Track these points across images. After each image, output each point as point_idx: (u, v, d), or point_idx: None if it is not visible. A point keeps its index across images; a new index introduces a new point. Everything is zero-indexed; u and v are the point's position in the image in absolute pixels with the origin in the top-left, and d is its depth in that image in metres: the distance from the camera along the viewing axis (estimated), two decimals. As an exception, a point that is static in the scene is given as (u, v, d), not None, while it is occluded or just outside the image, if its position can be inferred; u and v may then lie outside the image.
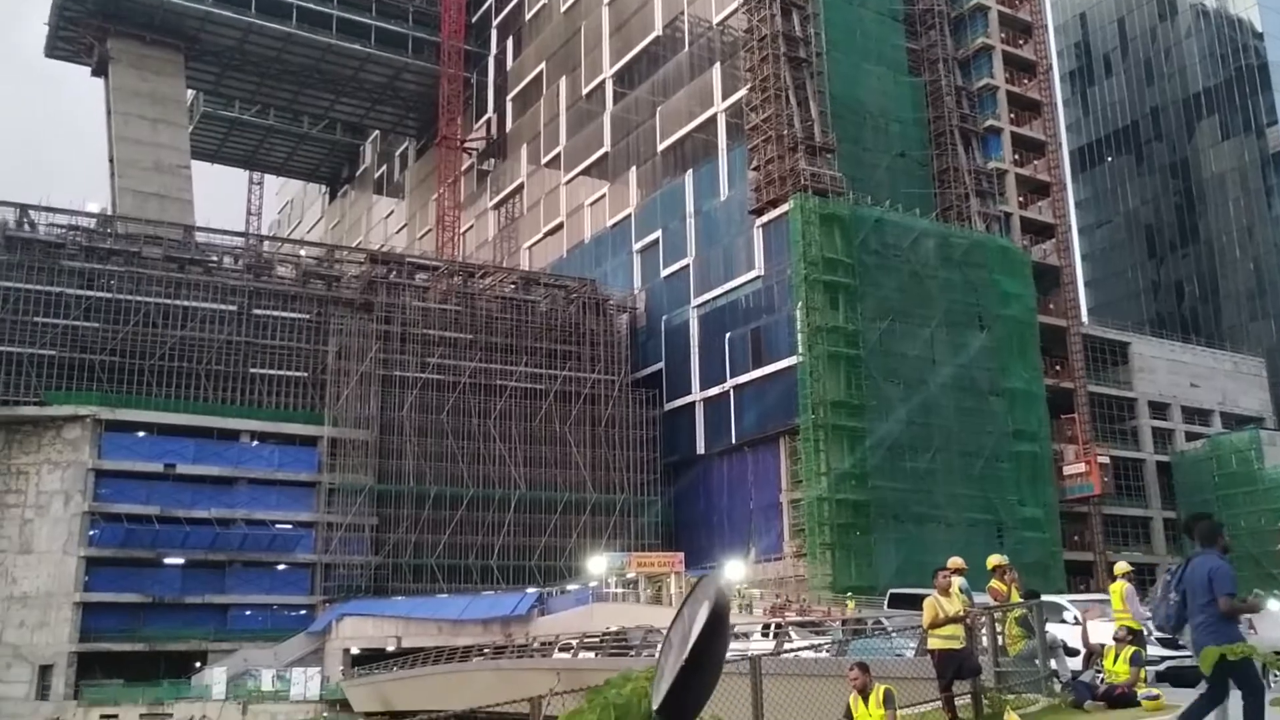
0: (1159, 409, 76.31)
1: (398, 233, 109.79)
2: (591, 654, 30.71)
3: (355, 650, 59.40)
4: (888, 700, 11.04)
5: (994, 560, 15.56)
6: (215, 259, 67.95)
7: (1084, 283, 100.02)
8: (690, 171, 72.82)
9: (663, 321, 73.19)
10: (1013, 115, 74.68)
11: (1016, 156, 74.30)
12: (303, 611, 63.05)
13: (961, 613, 12.44)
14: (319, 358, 65.39)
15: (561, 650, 34.36)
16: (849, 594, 48.78)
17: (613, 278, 77.46)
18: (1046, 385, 66.82)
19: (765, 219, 64.75)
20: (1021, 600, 14.65)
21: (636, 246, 76.76)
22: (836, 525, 57.33)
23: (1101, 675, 13.32)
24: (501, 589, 61.27)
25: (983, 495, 61.58)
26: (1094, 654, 14.32)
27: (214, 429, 62.31)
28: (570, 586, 56.67)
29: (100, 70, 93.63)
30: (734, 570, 51.52)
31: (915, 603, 29.33)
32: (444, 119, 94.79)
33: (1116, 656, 13.32)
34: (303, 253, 77.47)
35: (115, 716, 54.83)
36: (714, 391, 67.64)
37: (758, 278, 66.26)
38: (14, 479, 59.66)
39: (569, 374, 69.54)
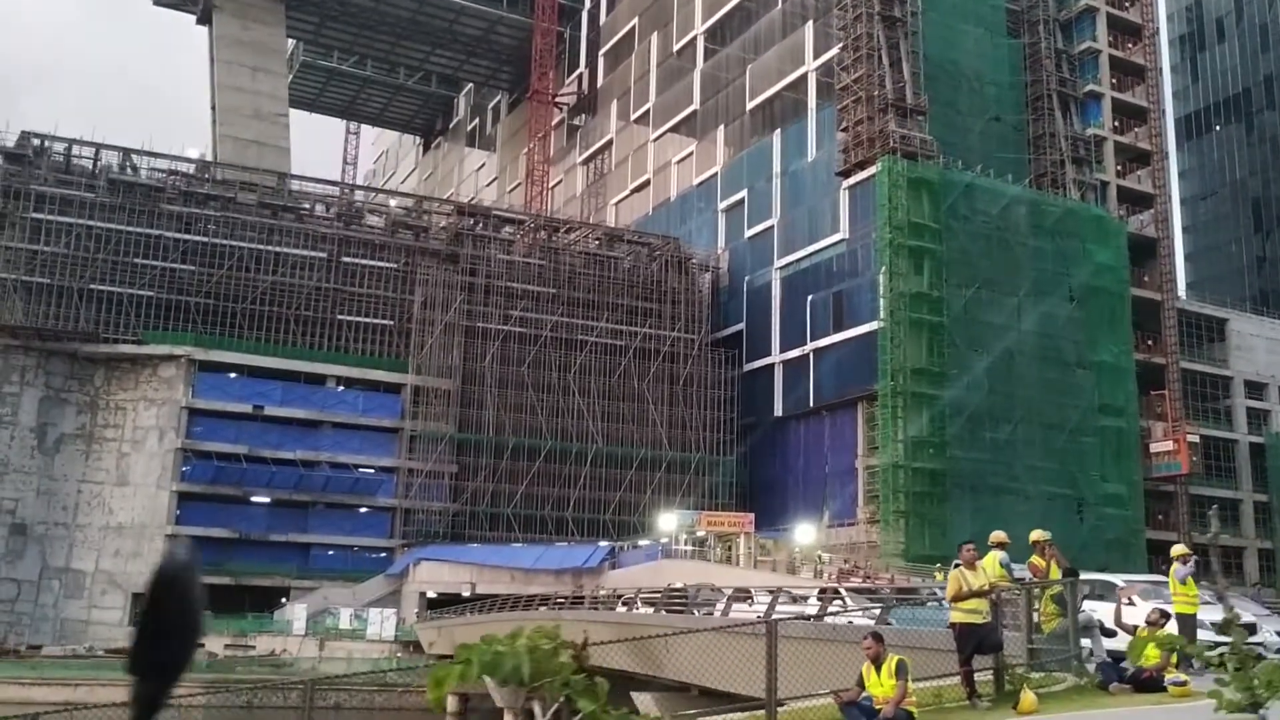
0: (1256, 389, 73.90)
1: (488, 185, 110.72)
2: (649, 609, 31.04)
3: (431, 594, 60.82)
4: (899, 670, 11.13)
5: (1035, 535, 15.43)
6: (307, 207, 69.42)
7: (1183, 256, 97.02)
8: (778, 131, 72.13)
9: (745, 282, 72.95)
10: (1114, 80, 72.32)
11: (1116, 123, 72.04)
12: (382, 554, 64.68)
13: (986, 587, 12.39)
14: (405, 307, 66.59)
15: (624, 604, 34.82)
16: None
17: (696, 236, 77.31)
18: (1136, 360, 65.15)
19: (852, 181, 63.94)
20: (1060, 577, 14.46)
21: (721, 206, 76.42)
22: (911, 493, 56.93)
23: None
24: (575, 541, 62.09)
25: (1064, 469, 60.54)
26: (1107, 634, 14.10)
27: (301, 373, 63.98)
28: (642, 542, 57.21)
29: (204, 18, 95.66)
30: (804, 534, 51.52)
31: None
32: (536, 73, 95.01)
33: (1150, 640, 13.10)
34: (393, 203, 78.59)
35: (201, 645, 56.89)
36: (794, 354, 67.38)
37: (842, 241, 65.60)
38: (112, 414, 62.10)
39: (649, 331, 69.81)
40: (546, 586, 53.31)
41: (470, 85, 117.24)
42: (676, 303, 71.08)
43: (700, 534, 51.96)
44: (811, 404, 65.90)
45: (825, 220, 66.77)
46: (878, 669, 11.23)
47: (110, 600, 60.22)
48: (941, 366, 58.47)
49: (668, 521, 52.81)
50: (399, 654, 52.40)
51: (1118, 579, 19.93)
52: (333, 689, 47.88)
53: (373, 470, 65.45)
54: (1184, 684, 11.92)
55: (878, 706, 11.01)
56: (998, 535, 15.87)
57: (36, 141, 63.26)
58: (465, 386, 65.77)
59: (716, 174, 77.67)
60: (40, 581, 60.14)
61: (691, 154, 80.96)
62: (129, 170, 64.56)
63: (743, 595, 28.99)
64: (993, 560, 14.74)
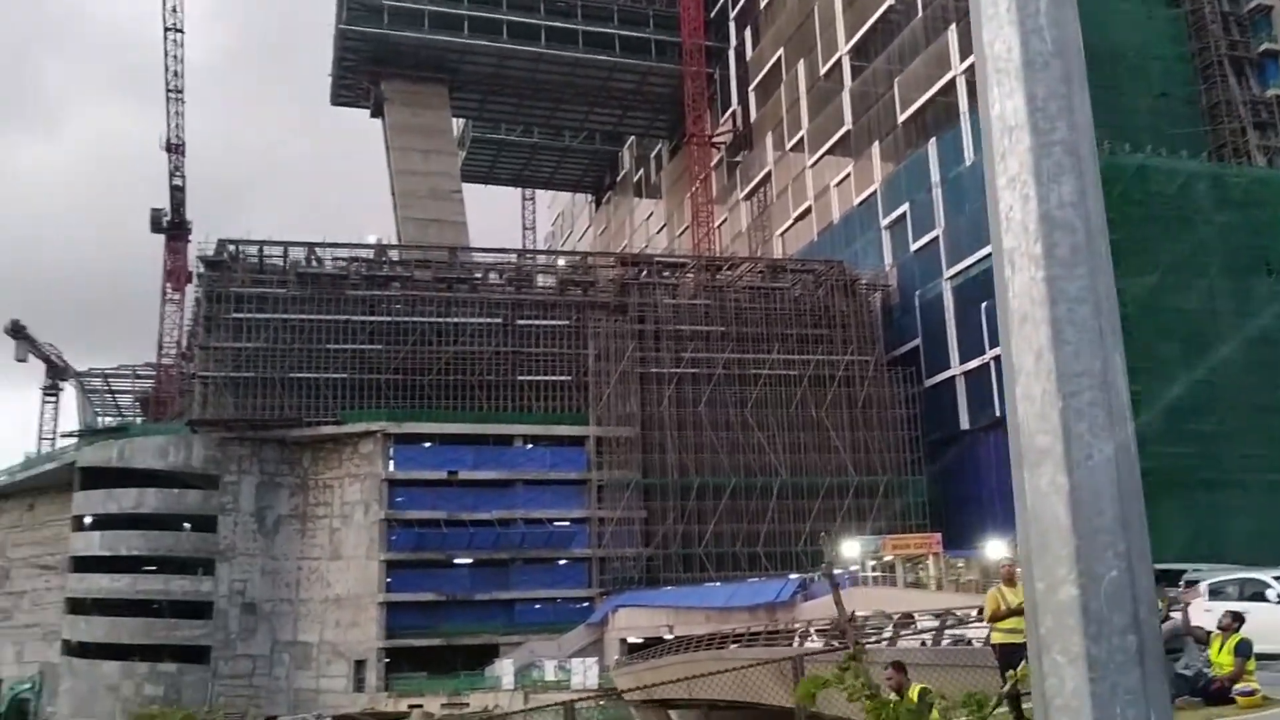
0: None
1: (658, 233, 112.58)
2: (819, 642, 30.83)
3: (633, 639, 61.75)
4: (922, 699, 10.83)
5: None
6: (480, 276, 72.47)
7: None
8: (933, 140, 70.71)
9: (916, 296, 71.51)
10: (1293, 35, 67.54)
11: (1301, 80, 67.16)
12: (583, 604, 66.13)
13: (1021, 604, 11.88)
14: (580, 361, 68.42)
15: (799, 637, 34.69)
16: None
17: (863, 257, 76.38)
18: (1355, 329, 60.06)
19: (1013, 181, 61.92)
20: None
21: (884, 222, 75.34)
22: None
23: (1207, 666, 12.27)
24: (769, 575, 61.89)
25: (1284, 455, 56.36)
26: (1200, 641, 13.10)
27: (489, 435, 66.54)
28: (836, 571, 56.47)
29: (377, 111, 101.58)
30: (995, 550, 49.77)
31: (1166, 579, 27.63)
32: (690, 117, 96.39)
33: (1221, 646, 12.17)
34: (561, 262, 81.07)
35: (420, 706, 59.74)
36: (974, 364, 65.46)
37: (1010, 243, 63.41)
38: (321, 492, 66.17)
39: (822, 358, 69.28)
40: (741, 623, 53.35)
41: (631, 138, 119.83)
42: (847, 326, 70.33)
43: (888, 558, 50.96)
44: (998, 413, 63.67)
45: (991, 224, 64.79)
46: (901, 698, 10.96)
47: (335, 669, 63.82)
48: (1130, 360, 55.10)
49: (851, 549, 52.07)
50: (602, 702, 53.39)
51: (1265, 574, 18.46)
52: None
53: (566, 523, 67.21)
54: (1253, 694, 11.17)
55: None
56: None
57: (232, 247, 68.56)
58: (645, 432, 66.86)
59: (876, 191, 76.70)
60: (272, 655, 64.36)
61: (849, 175, 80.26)
62: (314, 262, 69.10)
63: (906, 622, 28.46)
64: None
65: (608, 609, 62.91)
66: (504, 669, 59.41)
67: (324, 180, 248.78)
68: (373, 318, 67.43)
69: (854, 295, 72.06)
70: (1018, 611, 11.59)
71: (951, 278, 68.08)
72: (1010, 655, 11.63)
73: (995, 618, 11.88)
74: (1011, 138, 2.00)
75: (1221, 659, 11.87)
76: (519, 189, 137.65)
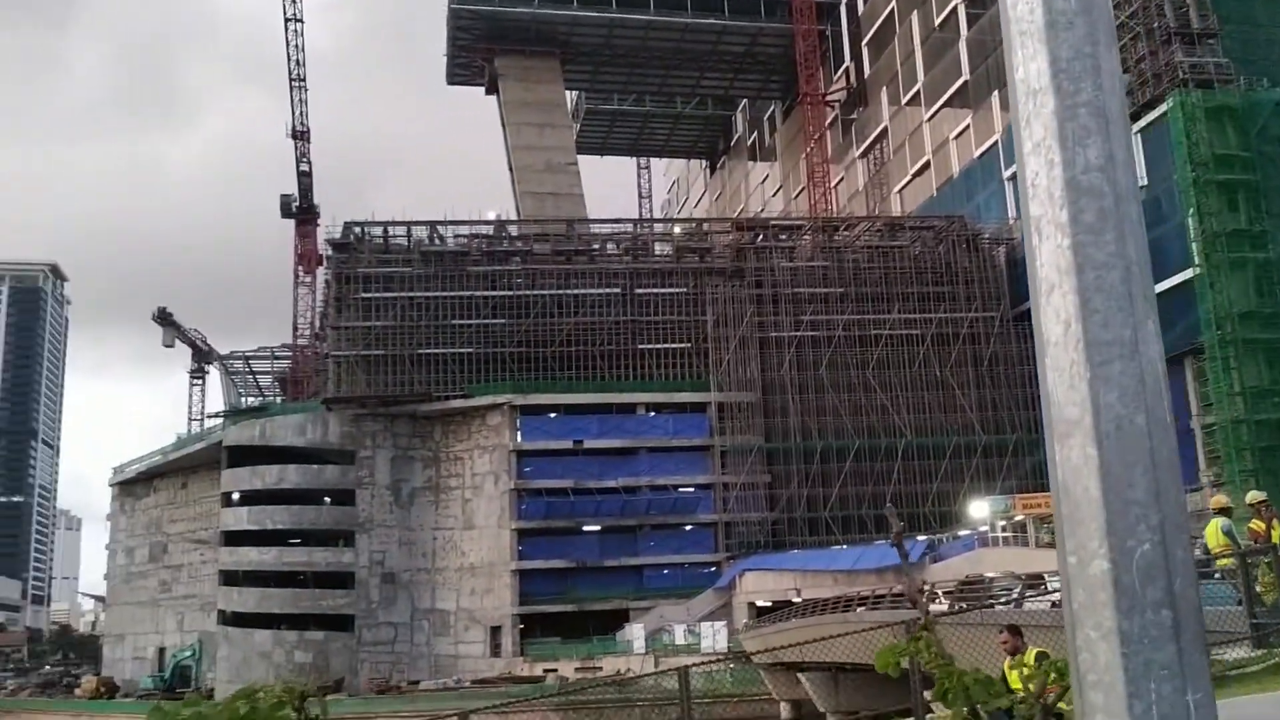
0: None
1: (774, 195, 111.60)
2: (945, 605, 30.56)
3: (762, 602, 61.99)
4: (1039, 663, 10.56)
5: (1252, 496, 14.25)
6: (597, 247, 73.13)
7: None
8: (1057, 86, 68.37)
9: (1042, 249, 69.47)
10: None
11: None
12: (710, 569, 66.63)
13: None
14: (699, 327, 68.60)
15: (927, 599, 34.37)
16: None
17: (985, 210, 74.48)
18: None
19: (1143, 123, 59.55)
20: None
21: (1006, 174, 73.11)
22: (1257, 449, 52.23)
23: None
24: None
25: None
26: None
27: (612, 404, 67.36)
28: (962, 533, 55.78)
29: (492, 88, 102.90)
30: (1224, 498, 48.28)
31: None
32: (803, 76, 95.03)
33: None
34: (677, 229, 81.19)
35: (555, 670, 61.11)
36: (1106, 317, 63.41)
37: (1142, 187, 61.11)
38: (453, 464, 67.99)
39: (945, 315, 68.05)
40: (869, 586, 53.08)
41: (744, 101, 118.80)
42: (970, 282, 68.85)
43: (1019, 518, 50.01)
44: (1132, 366, 61.70)
45: (1120, 170, 62.51)
46: (1017, 662, 10.77)
47: (473, 635, 65.75)
48: (1275, 307, 53.29)
49: (979, 509, 51.24)
50: (731, 665, 53.81)
51: None
52: (669, 703, 50.08)
53: (690, 489, 67.73)
54: None
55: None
56: (1219, 499, 14.80)
57: (357, 230, 70.58)
58: (767, 397, 66.77)
59: (997, 142, 74.52)
60: (412, 623, 66.63)
61: (968, 126, 78.22)
62: (437, 241, 70.68)
63: (1035, 582, 27.97)
64: (1214, 528, 13.80)
65: (735, 573, 63.26)
66: (634, 633, 60.31)
67: (444, 160, 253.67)
68: (495, 292, 68.74)
69: (977, 250, 70.45)
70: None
71: (1079, 228, 65.94)
72: None
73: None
74: (1036, 101, 1.99)
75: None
76: (634, 158, 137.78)
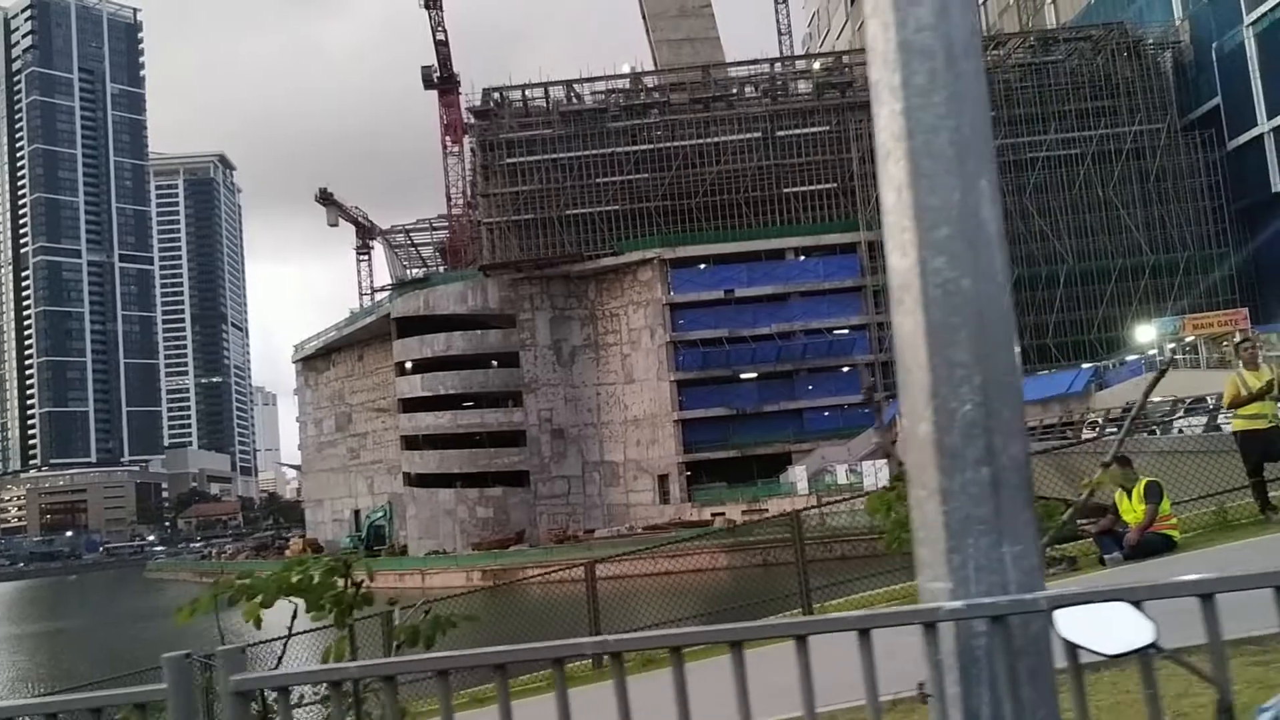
0: None
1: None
2: (1099, 432, 30.19)
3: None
4: (1149, 493, 10.38)
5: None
6: (735, 91, 71.82)
7: None
8: None
9: (1212, 50, 64.78)
10: None
11: None
12: (869, 409, 66.67)
13: (1266, 386, 10.93)
14: (845, 166, 67.18)
15: (1089, 427, 34.05)
16: None
17: (1148, 13, 69.60)
18: None
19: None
20: None
21: (1171, -29, 68.06)
22: None
23: None
24: (1060, 367, 60.09)
25: None
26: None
27: (761, 252, 67.17)
28: (1129, 358, 54.20)
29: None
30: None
31: None
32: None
33: (1130, 496, 10.71)
34: (816, 65, 78.77)
35: (723, 514, 62.95)
36: (1284, 118, 59.23)
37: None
38: (609, 321, 69.47)
39: (1106, 131, 64.65)
40: (1034, 416, 52.46)
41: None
42: (1133, 93, 64.96)
43: (1188, 339, 48.23)
44: (1316, 170, 57.80)
45: (1299, -46, 57.42)
46: (1129, 494, 10.63)
47: (642, 484, 68.14)
48: None
49: (1145, 333, 49.57)
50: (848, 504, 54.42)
51: None
52: (836, 539, 51.23)
53: (845, 330, 67.47)
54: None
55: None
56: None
57: (496, 96, 71.17)
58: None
59: (1161, -64, 69.17)
60: (584, 475, 69.44)
61: (1128, -77, 72.54)
62: (574, 100, 70.68)
63: (1196, 405, 27.24)
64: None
65: (893, 412, 63.06)
66: (797, 475, 61.40)
67: (584, 16, 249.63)
68: (635, 147, 68.69)
69: (1139, 58, 66.18)
70: (1259, 395, 10.87)
71: (1254, 22, 61.18)
72: (1251, 442, 10.93)
73: (1235, 404, 11.11)
74: None
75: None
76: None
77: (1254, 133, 61.77)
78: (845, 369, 67.99)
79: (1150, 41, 67.33)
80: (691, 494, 66.16)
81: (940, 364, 1.87)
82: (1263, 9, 60.21)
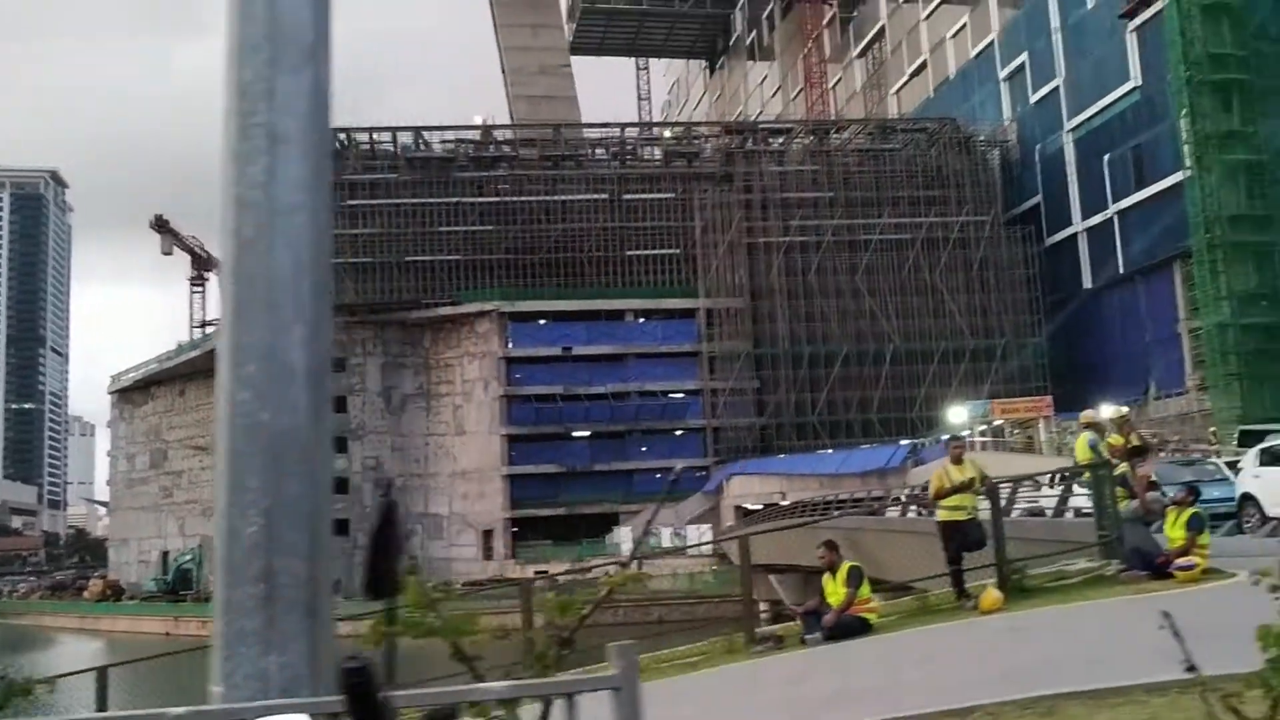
0: None
1: (773, 96, 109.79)
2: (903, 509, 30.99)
3: (751, 506, 62.78)
4: (850, 578, 11.00)
5: (1112, 412, 14.49)
6: (585, 152, 72.40)
7: None
8: (1053, -18, 66.75)
9: (1036, 151, 68.60)
10: None
11: None
12: (700, 473, 67.28)
13: (968, 481, 11.88)
14: (688, 233, 68.25)
15: (893, 504, 34.86)
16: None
17: (981, 111, 73.32)
18: None
19: (1139, 21, 58.44)
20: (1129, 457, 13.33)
21: (1002, 74, 71.93)
22: (1243, 353, 52.09)
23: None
24: (883, 442, 61.81)
25: None
26: (1151, 513, 12.66)
27: (601, 311, 67.44)
28: (944, 436, 56.05)
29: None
30: (1107, 411, 48.55)
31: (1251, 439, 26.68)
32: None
33: (1175, 520, 11.80)
34: (667, 133, 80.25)
35: (546, 572, 62.19)
36: (1096, 220, 62.93)
37: (1135, 89, 60.13)
38: (443, 371, 68.47)
39: (935, 220, 67.55)
40: (853, 489, 53.68)
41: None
42: (962, 185, 68.18)
43: (997, 422, 50.27)
44: (1121, 270, 61.42)
45: (1113, 70, 61.35)
46: (834, 576, 11.23)
47: (465, 539, 66.93)
48: (1265, 209, 52.68)
49: (957, 414, 51.48)
50: (714, 567, 54.82)
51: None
52: (655, 603, 51.14)
53: (680, 394, 68.17)
54: (1192, 568, 10.98)
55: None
56: (1087, 415, 15.06)
57: (342, 136, 69.88)
58: (755, 302, 66.73)
59: (994, 41, 73.04)
60: (407, 527, 67.66)
61: (965, 25, 76.50)
62: (422, 146, 70.05)
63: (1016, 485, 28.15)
64: (1082, 443, 14.02)
65: (722, 477, 63.95)
66: (622, 536, 61.33)
67: (443, 66, 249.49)
68: (482, 199, 68.35)
69: (970, 153, 69.59)
70: (961, 489, 11.70)
71: (1073, 129, 65.01)
72: (952, 532, 11.80)
73: (939, 495, 12.06)
74: (225, 121, 2.08)
75: (1174, 534, 11.65)
76: (632, 58, 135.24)
77: (1069, 231, 65.38)
78: (678, 432, 68.60)
79: (981, 138, 70.88)
80: (516, 551, 65.28)
81: (235, 488, 2.00)
82: (1081, 117, 64.07)
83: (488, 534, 66.26)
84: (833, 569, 11.38)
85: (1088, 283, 64.39)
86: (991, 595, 11.02)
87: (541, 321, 67.69)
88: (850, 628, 10.81)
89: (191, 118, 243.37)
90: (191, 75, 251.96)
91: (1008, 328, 66.09)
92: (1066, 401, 57.62)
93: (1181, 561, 11.18)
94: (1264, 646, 2.70)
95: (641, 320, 68.32)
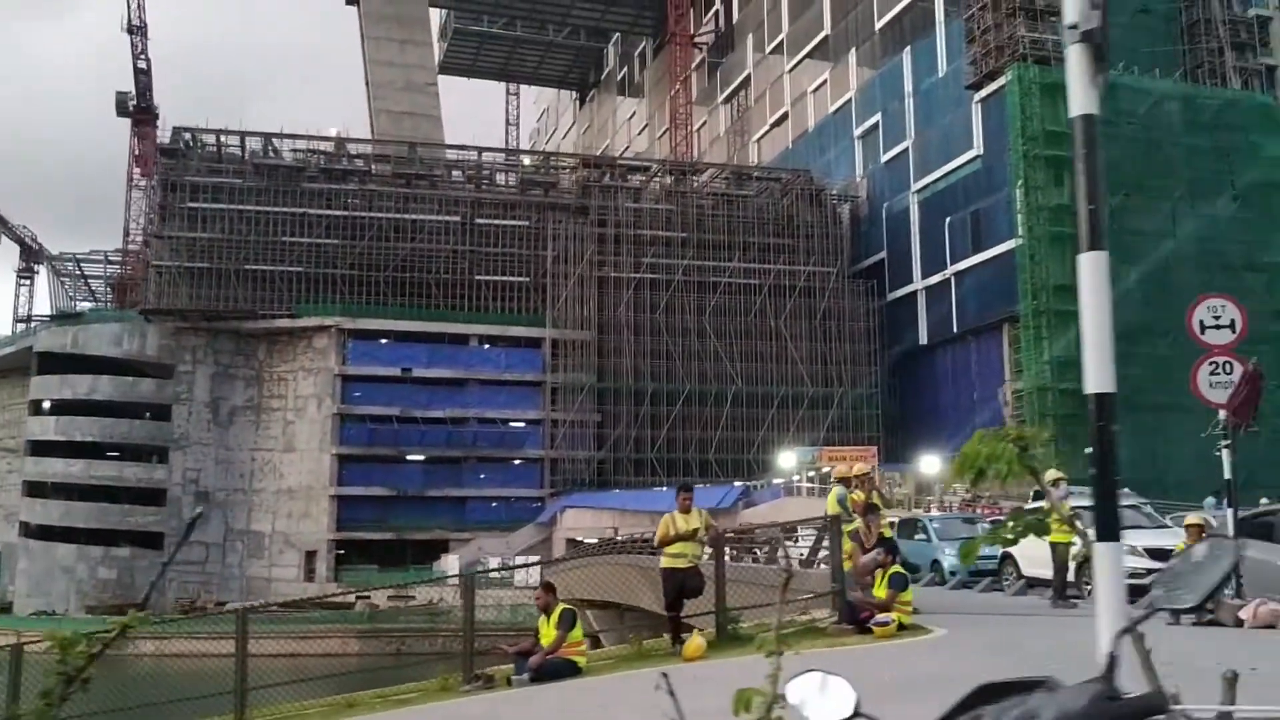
0: None
1: (639, 134, 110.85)
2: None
3: (585, 539, 62.38)
4: (562, 620, 11.11)
5: (857, 469, 14.93)
6: (440, 173, 71.47)
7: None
8: (909, 48, 69.13)
9: (884, 209, 70.71)
10: (1280, -49, 65.64)
11: (1285, -1, 65.47)
12: (536, 504, 66.71)
13: (692, 531, 12.17)
14: (539, 262, 67.88)
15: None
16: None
17: (835, 166, 75.33)
18: (1319, 257, 59.61)
19: (984, 94, 60.87)
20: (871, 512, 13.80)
21: (857, 132, 74.08)
22: (1060, 415, 54.39)
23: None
24: (719, 482, 62.31)
25: (1234, 382, 56.38)
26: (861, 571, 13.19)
27: (445, 334, 66.40)
28: (776, 480, 56.91)
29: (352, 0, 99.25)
30: (928, 465, 50.08)
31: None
32: (673, 15, 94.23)
33: (880, 580, 12.49)
34: (526, 160, 79.96)
35: (368, 598, 60.52)
36: (935, 279, 65.08)
37: (977, 158, 62.59)
38: (276, 385, 66.23)
39: (783, 268, 68.81)
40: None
41: (616, 34, 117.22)
42: (811, 236, 69.70)
43: (825, 469, 51.17)
44: (955, 330, 63.62)
45: (959, 138, 63.82)
46: (548, 618, 11.33)
47: (288, 559, 64.62)
48: (1087, 281, 55.28)
49: (787, 459, 52.33)
50: (537, 598, 54.14)
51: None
52: (480, 634, 50.05)
53: (520, 424, 67.49)
54: (889, 624, 11.49)
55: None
56: (840, 470, 15.48)
57: (188, 136, 67.44)
58: (602, 336, 66.68)
59: (851, 99, 75.22)
60: (225, 544, 65.10)
61: (826, 81, 78.65)
62: (272, 153, 68.03)
63: (790, 533, 28.60)
64: (832, 497, 14.38)
65: (556, 509, 63.46)
66: (450, 564, 60.10)
67: (315, 76, 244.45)
68: (330, 212, 66.63)
69: (821, 205, 71.26)
70: (685, 537, 11.91)
71: (919, 190, 67.22)
72: (672, 579, 12.03)
73: (664, 542, 12.28)
74: None
75: (879, 591, 12.18)
76: (503, 83, 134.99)
77: (910, 288, 67.42)
78: (516, 462, 67.88)
79: (833, 192, 72.68)
80: (339, 574, 63.36)
81: None
82: (927, 179, 66.31)
83: (311, 555, 64.14)
84: (547, 611, 11.44)
85: (924, 339, 66.44)
86: (695, 643, 11.31)
87: (383, 341, 66.23)
88: (558, 670, 10.93)
89: (36, 103, 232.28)
90: (41, 60, 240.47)
91: (846, 377, 67.60)
92: (898, 452, 59.26)
93: (881, 617, 11.64)
94: (735, 710, 2.50)
95: (486, 346, 67.53)
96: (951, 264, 63.39)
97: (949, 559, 21.46)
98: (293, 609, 57.98)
